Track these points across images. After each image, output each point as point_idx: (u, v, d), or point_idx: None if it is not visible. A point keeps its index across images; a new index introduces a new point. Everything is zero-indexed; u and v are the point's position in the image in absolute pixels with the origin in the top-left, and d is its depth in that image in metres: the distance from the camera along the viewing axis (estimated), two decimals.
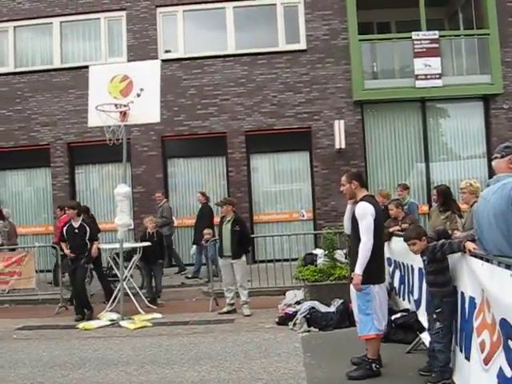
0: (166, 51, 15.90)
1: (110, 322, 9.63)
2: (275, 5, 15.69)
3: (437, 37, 14.84)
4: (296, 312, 8.72)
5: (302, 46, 15.56)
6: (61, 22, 16.35)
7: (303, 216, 15.29)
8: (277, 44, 15.66)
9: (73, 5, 16.15)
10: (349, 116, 15.14)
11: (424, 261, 5.70)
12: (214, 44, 15.86)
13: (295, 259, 11.18)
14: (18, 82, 16.24)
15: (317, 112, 15.23)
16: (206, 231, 12.34)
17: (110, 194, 15.41)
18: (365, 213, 6.06)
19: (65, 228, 10.39)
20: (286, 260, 11.30)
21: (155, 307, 10.67)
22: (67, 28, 16.40)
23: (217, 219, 11.44)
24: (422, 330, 6.46)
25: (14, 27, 16.58)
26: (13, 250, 12.38)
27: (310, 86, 15.35)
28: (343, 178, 6.43)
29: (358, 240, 6.03)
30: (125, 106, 9.78)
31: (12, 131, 16.09)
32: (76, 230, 10.30)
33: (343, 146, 14.63)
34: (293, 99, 15.30)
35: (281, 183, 15.69)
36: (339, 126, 14.65)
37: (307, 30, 15.49)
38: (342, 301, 8.57)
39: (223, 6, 15.80)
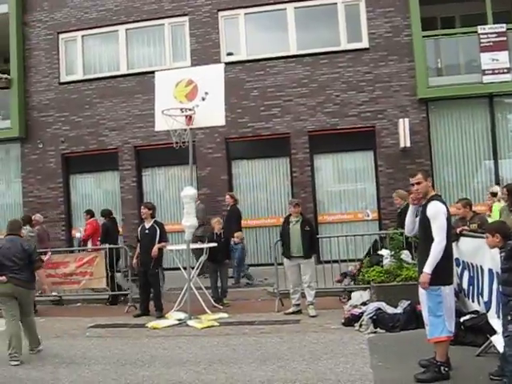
0: (228, 54, 16.07)
1: (177, 322, 9.85)
2: (336, 4, 15.59)
3: (504, 30, 14.39)
4: (362, 313, 8.66)
5: (365, 44, 15.40)
6: (126, 30, 16.82)
7: (368, 216, 15.14)
8: (338, 43, 15.56)
9: (137, 12, 16.57)
10: (413, 114, 14.88)
11: (501, 257, 5.57)
12: (276, 45, 15.92)
13: (360, 260, 11.12)
14: (86, 89, 16.81)
15: (380, 111, 15.04)
16: (237, 234, 12.49)
17: (176, 196, 15.85)
18: (438, 212, 5.96)
19: (138, 229, 10.73)
20: (352, 260, 11.20)
21: (221, 307, 10.82)
22: (132, 35, 16.85)
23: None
24: (493, 332, 6.31)
25: (82, 36, 17.19)
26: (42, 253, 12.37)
27: (373, 85, 15.17)
28: (419, 176, 6.22)
29: (429, 240, 5.93)
30: (190, 109, 9.98)
31: (82, 136, 16.68)
32: (147, 231, 10.61)
33: (408, 145, 14.40)
34: (356, 98, 15.17)
35: (345, 183, 15.58)
36: (404, 125, 14.43)
37: (369, 28, 15.32)
38: (408, 302, 8.46)
39: (284, 7, 15.83)
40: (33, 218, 13.17)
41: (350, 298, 10.11)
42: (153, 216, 10.88)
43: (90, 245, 13.36)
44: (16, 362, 7.61)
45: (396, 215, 11.69)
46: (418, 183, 6.21)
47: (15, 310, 7.94)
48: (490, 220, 8.89)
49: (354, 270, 11.06)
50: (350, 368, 6.63)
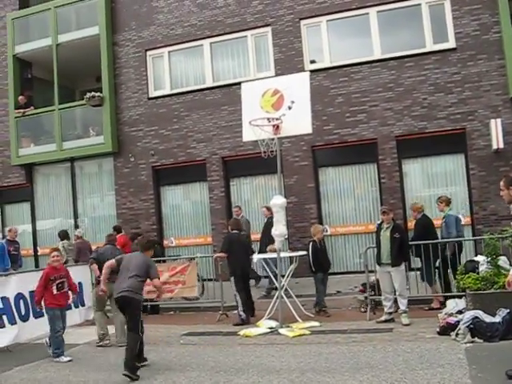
0: (312, 62, 16.07)
1: (269, 330, 9.93)
2: (420, 4, 15.24)
3: None
4: (458, 322, 8.39)
5: (451, 44, 14.94)
6: (211, 43, 17.18)
7: (461, 221, 14.62)
8: (424, 45, 15.19)
9: (221, 26, 16.90)
10: (506, 114, 14.26)
11: None
12: (360, 50, 15.74)
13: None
14: (174, 103, 17.29)
15: (471, 112, 14.53)
16: (270, 247, 12.22)
17: (263, 204, 15.93)
18: None
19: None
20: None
21: (312, 315, 10.78)
22: (217, 48, 17.18)
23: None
24: None
25: (169, 52, 17.71)
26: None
27: (461, 86, 14.69)
28: (501, 183, 6.14)
29: None
30: (277, 119, 10.05)
31: (171, 149, 17.16)
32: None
33: (501, 146, 13.82)
34: (444, 100, 14.74)
35: (435, 188, 15.10)
36: (496, 125, 13.86)
37: (455, 28, 14.85)
38: (508, 310, 8.14)
39: (366, 11, 15.64)
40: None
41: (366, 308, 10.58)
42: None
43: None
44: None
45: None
46: (502, 190, 6.08)
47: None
48: None
49: (375, 281, 10.81)
50: (448, 379, 6.44)
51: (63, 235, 15.60)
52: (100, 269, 9.45)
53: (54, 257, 9.29)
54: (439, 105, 14.78)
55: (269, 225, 13.09)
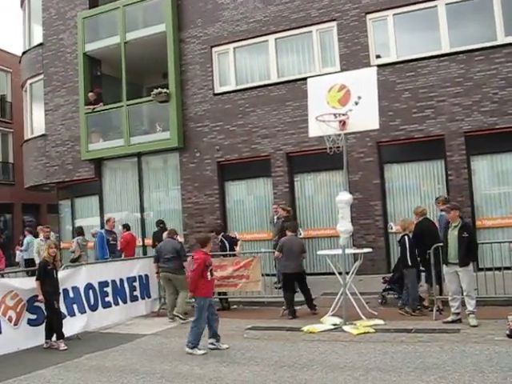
0: (377, 56, 15.85)
1: (333, 327, 9.87)
2: None
3: None
4: None
5: None
6: (276, 39, 17.21)
7: None
8: (495, 38, 14.69)
9: (286, 21, 16.89)
10: None
11: None
12: (427, 44, 15.41)
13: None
14: (239, 99, 17.44)
15: None
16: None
17: (326, 201, 15.92)
18: None
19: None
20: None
21: (376, 313, 10.65)
22: (282, 44, 17.20)
23: None
24: None
25: (234, 48, 17.86)
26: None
27: None
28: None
29: None
30: (344, 114, 9.98)
31: (236, 144, 17.32)
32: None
33: None
34: None
35: (505, 185, 14.64)
36: None
37: None
38: None
39: (435, 4, 15.27)
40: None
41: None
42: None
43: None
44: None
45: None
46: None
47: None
48: None
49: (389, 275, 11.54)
50: None
51: (79, 231, 16.37)
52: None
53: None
54: (510, 100, 14.29)
55: (282, 226, 13.40)
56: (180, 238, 13.61)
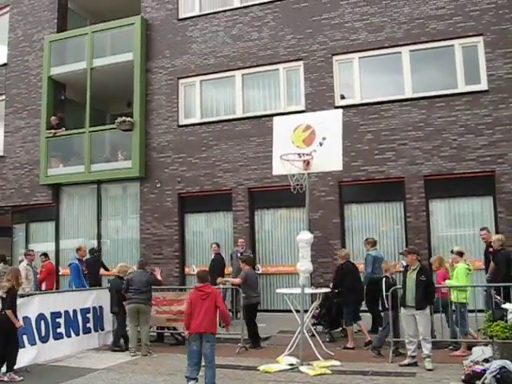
0: (342, 97, 16.12)
1: (289, 367, 9.80)
2: (453, 46, 15.24)
3: None
4: (485, 370, 8.19)
5: (483, 86, 14.87)
6: (242, 75, 17.36)
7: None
8: (456, 86, 15.15)
9: (253, 58, 17.09)
10: None
11: None
12: (391, 88, 15.79)
13: (481, 311, 10.59)
14: (203, 132, 17.44)
15: (501, 155, 14.39)
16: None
17: (286, 237, 15.96)
18: None
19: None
20: (472, 311, 10.66)
21: (333, 353, 10.62)
22: (248, 79, 17.35)
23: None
24: None
25: (201, 81, 17.93)
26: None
27: (492, 128, 14.58)
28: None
29: None
30: (308, 154, 10.08)
31: (198, 177, 17.26)
32: None
33: None
34: (474, 142, 14.64)
35: (461, 228, 14.94)
36: None
37: (488, 70, 14.79)
38: None
39: (399, 50, 15.69)
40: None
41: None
42: None
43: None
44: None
45: None
46: None
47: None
48: None
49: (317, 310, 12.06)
50: None
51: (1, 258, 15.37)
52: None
53: None
54: (469, 146, 14.69)
55: (216, 261, 15.16)
56: (157, 270, 13.32)
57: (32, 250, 14.87)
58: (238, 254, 14.83)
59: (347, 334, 11.70)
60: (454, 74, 15.23)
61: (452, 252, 11.75)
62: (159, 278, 12.87)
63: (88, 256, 14.99)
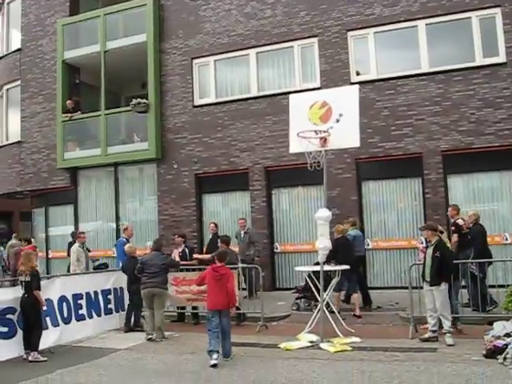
0: (357, 73, 15.95)
1: (310, 344, 9.79)
2: (470, 18, 14.98)
3: None
4: (506, 345, 8.13)
5: (502, 58, 14.61)
6: (257, 53, 17.22)
7: (507, 239, 14.32)
8: (473, 59, 14.91)
9: (267, 36, 16.94)
10: None
11: None
12: (407, 63, 15.59)
13: (502, 286, 10.53)
14: (218, 112, 17.39)
15: None
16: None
17: (303, 216, 15.93)
18: None
19: None
20: (492, 286, 10.60)
21: (353, 330, 10.63)
22: (263, 58, 17.22)
23: None
24: None
25: (215, 61, 17.82)
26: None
27: (511, 101, 14.39)
28: None
29: None
30: (325, 131, 9.99)
31: (214, 157, 17.25)
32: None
33: None
34: (493, 116, 14.44)
35: (480, 204, 14.76)
36: None
37: (506, 42, 14.51)
38: None
39: (415, 24, 15.45)
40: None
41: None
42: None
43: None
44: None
45: None
46: None
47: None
48: None
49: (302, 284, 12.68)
50: None
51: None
52: None
53: None
54: (487, 120, 14.49)
55: (213, 239, 14.87)
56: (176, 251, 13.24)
57: (83, 232, 14.86)
58: (242, 234, 14.91)
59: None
60: (472, 46, 14.96)
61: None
62: (177, 258, 12.79)
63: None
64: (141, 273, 11.22)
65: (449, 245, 10.45)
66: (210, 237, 15.33)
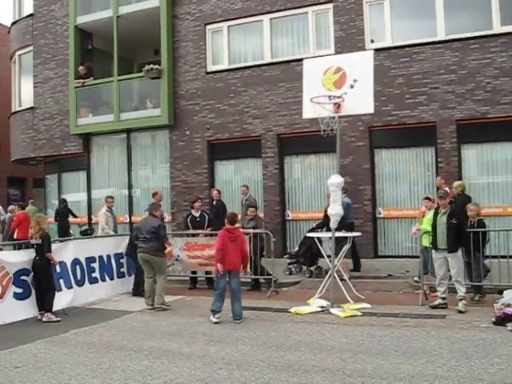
0: (372, 41, 15.74)
1: (320, 309, 9.87)
2: None
3: None
4: None
5: None
6: (271, 19, 17.04)
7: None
8: (491, 26, 14.64)
9: (281, 1, 16.72)
10: None
11: None
12: (423, 31, 15.34)
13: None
14: (231, 78, 17.30)
15: None
16: None
17: (315, 184, 15.92)
18: None
19: None
20: (504, 257, 10.58)
21: (363, 297, 10.70)
22: (277, 24, 17.03)
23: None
24: None
25: (228, 27, 17.65)
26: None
27: None
28: None
29: None
30: (339, 97, 9.91)
31: (226, 124, 17.22)
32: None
33: None
34: (509, 85, 14.21)
35: (494, 175, 14.69)
36: None
37: None
38: None
39: None
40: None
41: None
42: None
43: (15, 235, 15.48)
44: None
45: None
46: None
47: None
48: None
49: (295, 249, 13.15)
50: (506, 369, 6.28)
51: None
52: None
53: None
54: (504, 89, 14.29)
55: (219, 207, 14.48)
56: (167, 216, 13.41)
57: (112, 197, 14.95)
58: (244, 201, 14.83)
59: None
60: (489, 14, 14.68)
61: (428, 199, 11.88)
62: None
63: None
64: (136, 239, 10.78)
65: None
66: (214, 203, 14.99)
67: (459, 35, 14.81)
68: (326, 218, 11.41)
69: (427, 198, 11.68)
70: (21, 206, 17.33)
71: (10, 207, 18.68)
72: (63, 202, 18.67)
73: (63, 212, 18.28)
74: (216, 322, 9.04)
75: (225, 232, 9.37)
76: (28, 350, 7.75)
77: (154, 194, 14.02)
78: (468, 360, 6.69)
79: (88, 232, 17.82)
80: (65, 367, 6.87)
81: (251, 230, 11.86)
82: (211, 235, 12.34)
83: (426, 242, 10.60)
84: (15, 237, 15.62)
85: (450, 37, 14.90)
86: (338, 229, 11.09)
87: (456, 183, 12.40)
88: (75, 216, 18.78)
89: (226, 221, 9.50)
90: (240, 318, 9.20)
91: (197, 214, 13.05)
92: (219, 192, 15.13)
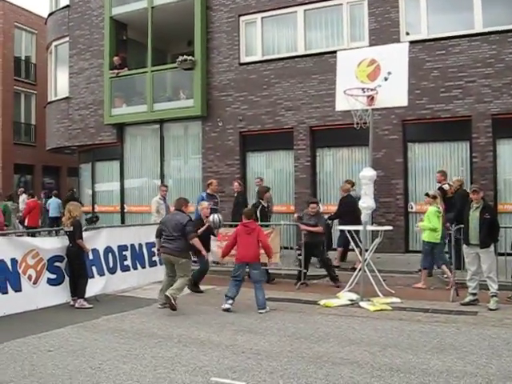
0: (407, 33, 15.52)
1: (349, 302, 9.88)
2: None
3: None
4: None
5: None
6: (305, 11, 16.93)
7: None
8: None
9: None
10: None
11: None
12: (459, 23, 15.06)
13: (510, 254, 10.35)
14: (264, 70, 17.27)
15: None
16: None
17: (347, 177, 15.80)
18: None
19: None
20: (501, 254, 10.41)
21: (393, 291, 10.64)
22: (310, 16, 16.91)
23: None
24: None
25: (262, 18, 17.60)
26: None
27: None
28: None
29: None
30: (372, 89, 9.84)
31: (259, 115, 17.21)
32: None
33: None
34: None
35: None
36: None
37: None
38: None
39: None
40: None
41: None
42: None
43: (26, 222, 16.65)
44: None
45: None
46: None
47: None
48: None
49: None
50: None
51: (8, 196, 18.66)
52: None
53: None
54: None
55: (238, 197, 14.60)
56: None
57: (166, 186, 15.10)
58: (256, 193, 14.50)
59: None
60: None
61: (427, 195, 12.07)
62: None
63: None
64: (159, 236, 9.99)
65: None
66: (235, 195, 14.79)
67: (497, 28, 14.48)
68: (339, 210, 12.21)
69: (426, 195, 11.97)
70: (31, 194, 18.38)
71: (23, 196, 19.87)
72: (71, 189, 19.57)
73: (69, 200, 18.24)
74: (226, 309, 9.32)
75: (241, 227, 9.76)
76: (60, 335, 7.93)
77: (209, 184, 14.00)
78: (499, 358, 6.62)
79: (93, 219, 18.95)
80: (96, 352, 7.01)
81: (310, 228, 11.83)
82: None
83: (428, 237, 11.24)
84: (25, 224, 16.80)
85: (488, 29, 14.59)
86: (348, 221, 11.33)
87: (454, 178, 12.89)
88: (81, 203, 18.93)
89: (243, 216, 9.87)
90: (263, 307, 9.34)
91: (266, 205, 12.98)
92: (240, 184, 15.08)
